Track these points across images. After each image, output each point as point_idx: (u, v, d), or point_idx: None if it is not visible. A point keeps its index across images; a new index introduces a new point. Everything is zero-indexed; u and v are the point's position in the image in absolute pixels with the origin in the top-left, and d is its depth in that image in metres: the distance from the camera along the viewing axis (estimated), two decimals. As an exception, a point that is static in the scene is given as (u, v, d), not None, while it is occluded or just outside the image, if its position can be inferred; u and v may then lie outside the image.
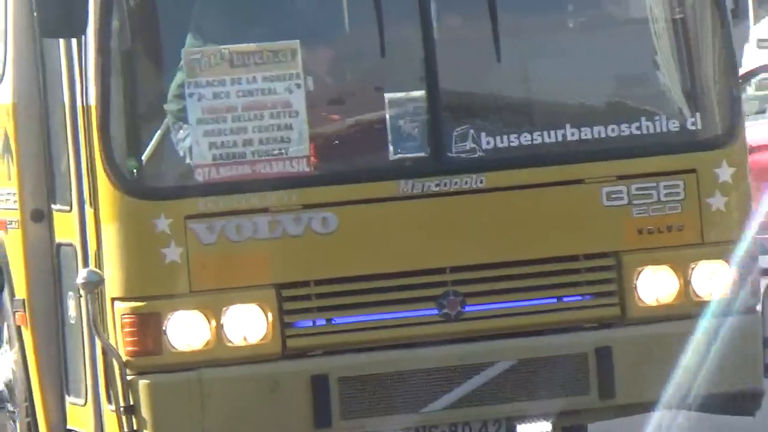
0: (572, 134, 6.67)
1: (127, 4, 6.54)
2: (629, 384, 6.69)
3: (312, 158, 6.70)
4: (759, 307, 6.83)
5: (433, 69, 6.59)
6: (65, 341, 6.94)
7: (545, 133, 6.66)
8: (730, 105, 6.82)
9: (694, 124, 6.76)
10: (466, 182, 6.61)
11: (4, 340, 7.55)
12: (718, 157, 6.69)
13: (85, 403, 6.62)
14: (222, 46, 6.52)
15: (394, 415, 6.71)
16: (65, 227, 6.66)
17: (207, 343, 6.57)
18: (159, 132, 6.56)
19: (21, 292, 6.83)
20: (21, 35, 7.00)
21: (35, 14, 6.45)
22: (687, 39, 6.91)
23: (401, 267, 6.66)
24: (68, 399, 6.81)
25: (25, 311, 6.75)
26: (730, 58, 6.85)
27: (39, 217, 6.65)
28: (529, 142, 6.71)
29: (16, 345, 7.18)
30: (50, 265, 6.73)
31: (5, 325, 7.37)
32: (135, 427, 6.52)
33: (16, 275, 6.84)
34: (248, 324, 6.63)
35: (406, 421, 6.72)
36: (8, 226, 6.80)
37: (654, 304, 6.76)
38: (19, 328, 6.92)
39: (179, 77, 6.49)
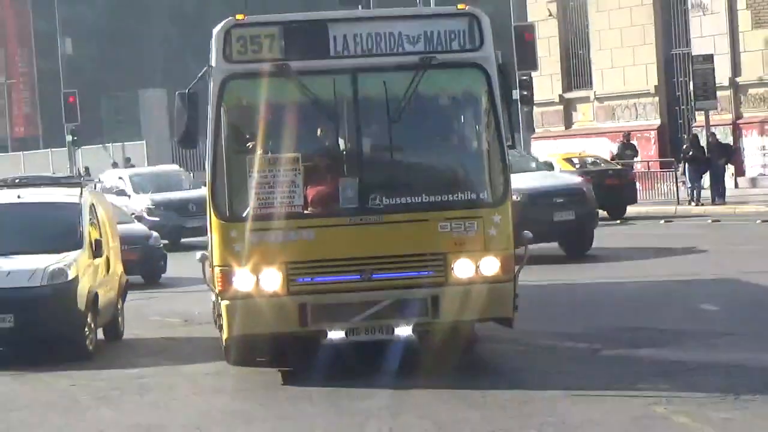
0: (426, 198, 13.13)
1: (224, 132, 13.04)
2: (446, 312, 12.99)
3: (303, 206, 13.27)
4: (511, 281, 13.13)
5: (361, 165, 13.23)
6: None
7: (412, 197, 13.15)
8: (503, 181, 13.26)
9: (483, 194, 13.27)
10: (375, 219, 13.01)
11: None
12: (494, 211, 13.06)
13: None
14: (265, 154, 13.11)
15: (336, 322, 13.04)
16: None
17: (251, 288, 12.84)
18: (234, 191, 13.06)
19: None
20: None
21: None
22: (483, 154, 13.49)
23: (345, 255, 13.03)
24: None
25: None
26: (503, 163, 13.16)
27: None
28: (406, 201, 13.12)
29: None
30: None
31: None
32: (220, 323, 13.20)
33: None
34: (272, 280, 12.91)
35: (343, 325, 13.03)
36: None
37: (461, 277, 13.02)
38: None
39: (245, 166, 13.02)
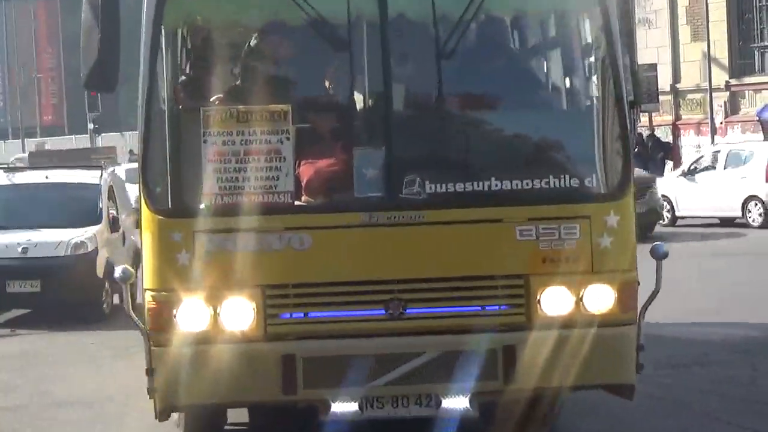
0: (496, 185, 6.90)
1: (166, 68, 7.10)
2: (526, 373, 6.90)
3: (294, 193, 7.00)
4: (634, 322, 7.08)
5: (390, 129, 6.90)
6: None
7: (474, 182, 6.92)
8: (622, 169, 7.04)
9: (591, 179, 7.05)
10: (411, 217, 6.88)
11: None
12: (608, 208, 6.95)
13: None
14: (231, 106, 7.00)
15: (345, 387, 6.95)
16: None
17: (205, 327, 6.88)
18: (181, 167, 6.97)
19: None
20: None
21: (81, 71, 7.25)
22: (591, 116, 7.35)
23: (359, 277, 6.89)
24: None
25: None
26: (623, 131, 7.04)
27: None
28: (462, 189, 6.94)
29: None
30: None
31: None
32: (154, 385, 6.95)
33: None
34: (238, 314, 6.91)
35: (354, 392, 6.97)
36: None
37: (553, 315, 6.95)
38: None
39: (198, 127, 6.89)
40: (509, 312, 7.04)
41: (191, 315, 6.99)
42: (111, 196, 16.81)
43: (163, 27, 7.16)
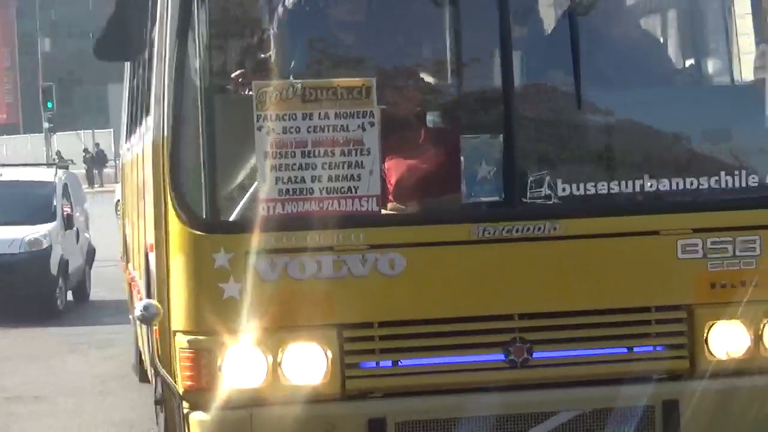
0: (650, 185, 5.16)
1: (200, 37, 5.06)
2: None
3: (382, 199, 5.06)
4: None
5: (511, 112, 5.03)
6: None
7: (622, 182, 5.14)
8: None
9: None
10: (540, 228, 5.06)
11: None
12: None
13: None
14: (294, 80, 5.06)
15: None
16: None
17: (262, 382, 4.99)
18: (224, 163, 5.07)
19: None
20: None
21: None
22: (764, 98, 5.56)
23: (469, 312, 5.06)
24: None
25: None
26: None
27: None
28: (605, 191, 5.14)
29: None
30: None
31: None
32: None
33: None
34: (307, 364, 5.00)
35: None
36: (152, 250, 5.51)
37: (724, 358, 5.21)
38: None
39: (249, 111, 4.93)
40: (668, 355, 5.30)
41: (242, 367, 5.05)
42: (65, 193, 16.82)
43: None
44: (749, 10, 5.70)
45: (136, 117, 8.29)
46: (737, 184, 5.34)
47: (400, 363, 5.15)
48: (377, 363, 5.16)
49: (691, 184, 5.31)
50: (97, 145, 52.95)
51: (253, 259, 4.97)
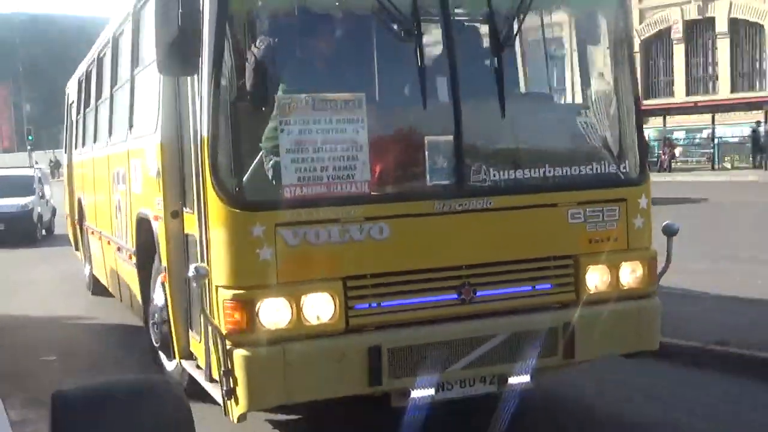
0: (549, 172, 6.15)
1: (234, 57, 5.62)
2: (583, 347, 6.02)
3: (372, 182, 5.69)
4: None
5: (459, 122, 5.93)
6: (191, 294, 6.05)
7: (532, 170, 6.12)
8: (643, 155, 6.37)
9: (624, 166, 6.36)
10: (479, 203, 5.92)
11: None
12: (640, 191, 6.24)
13: (200, 340, 5.81)
14: (306, 94, 5.65)
15: (425, 375, 5.93)
16: (191, 223, 5.87)
17: (289, 323, 5.49)
18: (257, 158, 5.51)
19: (164, 261, 6.29)
20: (167, 91, 6.14)
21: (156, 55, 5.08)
22: (620, 113, 6.78)
23: (432, 264, 5.74)
24: (191, 332, 6.01)
25: (166, 273, 6.29)
26: (641, 123, 6.52)
27: (175, 215, 6.23)
28: (522, 176, 5.99)
29: (161, 294, 6.17)
30: (182, 244, 6.24)
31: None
32: (231, 386, 5.48)
33: (162, 250, 6.33)
34: (321, 308, 5.60)
35: (433, 379, 5.85)
36: (158, 219, 6.38)
37: (597, 291, 6.09)
38: (162, 284, 6.32)
39: (274, 116, 5.43)
40: (561, 290, 6.08)
41: (274, 312, 5.46)
42: (40, 181, 21.64)
43: (229, 13, 5.36)
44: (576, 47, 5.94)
45: (78, 139, 9.84)
46: (606, 171, 5.91)
47: (382, 304, 5.31)
48: (369, 304, 5.38)
49: (577, 171, 5.83)
50: (55, 157, 63.38)
51: (281, 229, 5.13)
